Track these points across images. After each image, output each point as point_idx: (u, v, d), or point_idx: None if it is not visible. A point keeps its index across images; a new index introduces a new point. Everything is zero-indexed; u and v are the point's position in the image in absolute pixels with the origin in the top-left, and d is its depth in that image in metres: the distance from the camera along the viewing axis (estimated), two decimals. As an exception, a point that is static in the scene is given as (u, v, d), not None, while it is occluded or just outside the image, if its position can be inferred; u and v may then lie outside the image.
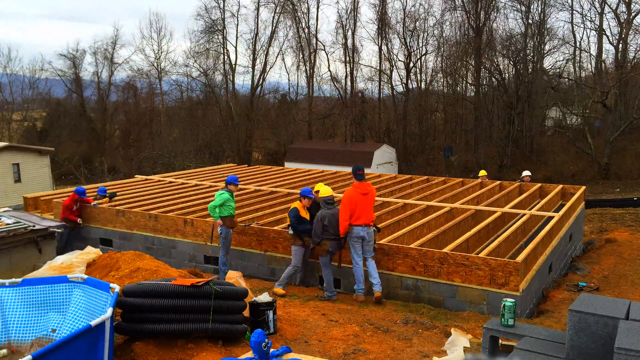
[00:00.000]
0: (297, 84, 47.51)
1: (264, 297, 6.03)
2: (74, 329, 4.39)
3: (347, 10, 43.87)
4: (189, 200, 12.45)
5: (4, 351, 4.57)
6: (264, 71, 45.20)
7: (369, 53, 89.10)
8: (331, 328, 6.34)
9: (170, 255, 10.52)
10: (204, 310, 5.03)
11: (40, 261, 7.46)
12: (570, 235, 11.47)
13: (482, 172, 15.19)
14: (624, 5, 36.06)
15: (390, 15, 43.07)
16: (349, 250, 8.07)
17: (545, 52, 39.56)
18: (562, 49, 40.03)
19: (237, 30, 47.55)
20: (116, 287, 4.65)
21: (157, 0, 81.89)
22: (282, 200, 12.40)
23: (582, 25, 50.32)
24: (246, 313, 5.64)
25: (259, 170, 17.75)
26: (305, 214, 8.70)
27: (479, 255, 7.73)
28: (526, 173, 14.65)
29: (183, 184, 14.79)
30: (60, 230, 8.62)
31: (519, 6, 39.04)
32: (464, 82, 42.69)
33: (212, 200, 12.19)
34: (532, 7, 38.66)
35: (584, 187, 13.82)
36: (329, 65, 46.06)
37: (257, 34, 44.74)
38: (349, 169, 20.89)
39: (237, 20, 47.44)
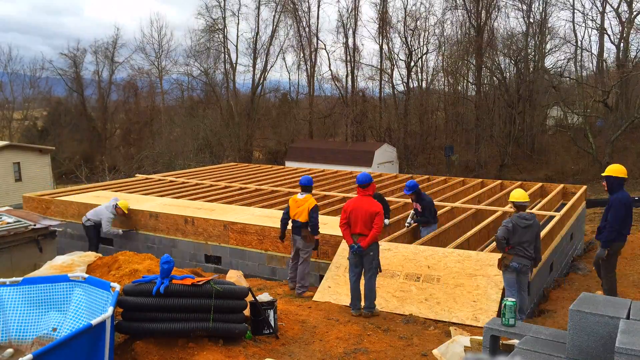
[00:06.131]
0: (298, 83, 47.58)
1: (265, 297, 6.04)
2: (75, 328, 4.39)
3: (348, 9, 44.02)
4: (190, 199, 12.44)
5: (11, 350, 4.57)
6: (264, 70, 45.23)
7: (369, 52, 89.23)
8: (332, 327, 6.34)
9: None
10: (205, 309, 5.03)
11: (41, 260, 7.47)
12: (571, 234, 11.46)
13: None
14: (625, 5, 36.04)
15: (391, 14, 43.20)
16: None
17: (547, 51, 39.55)
18: (563, 48, 40.02)
19: (237, 29, 47.81)
20: (117, 286, 4.65)
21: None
22: (282, 199, 12.39)
23: (583, 25, 50.04)
24: (247, 312, 5.64)
25: (260, 170, 17.75)
26: None
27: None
28: None
29: (184, 183, 14.80)
30: (60, 230, 8.62)
31: (520, 5, 39.03)
32: (465, 81, 42.68)
33: (212, 199, 12.24)
34: (533, 6, 38.65)
35: (585, 187, 13.81)
36: (329, 64, 46.22)
37: (257, 33, 44.78)
38: (349, 169, 20.99)
39: (238, 19, 47.53)
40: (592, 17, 45.72)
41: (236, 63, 45.74)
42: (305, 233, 7.86)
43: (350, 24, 42.77)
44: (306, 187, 8.11)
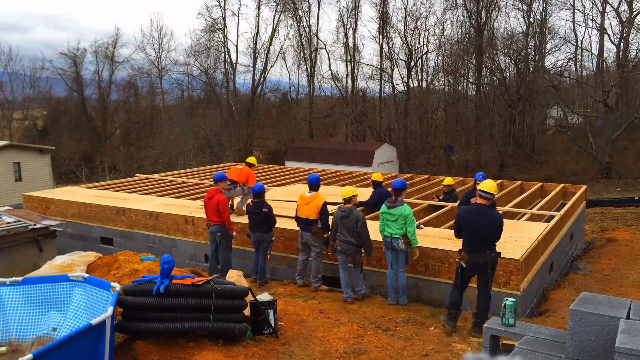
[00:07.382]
0: (298, 82, 47.62)
1: (265, 296, 6.04)
2: (75, 328, 4.39)
3: (348, 9, 43.90)
4: (190, 199, 12.44)
5: (3, 348, 4.57)
6: (264, 70, 45.25)
7: (370, 52, 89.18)
8: (332, 327, 6.34)
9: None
10: (205, 309, 5.03)
11: (41, 260, 7.47)
12: (571, 234, 11.45)
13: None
14: (625, 5, 36.05)
15: (391, 13, 43.39)
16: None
17: (547, 51, 39.60)
18: (563, 48, 40.22)
19: (237, 29, 47.83)
20: (117, 286, 4.65)
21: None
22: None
23: (583, 24, 50.37)
24: (247, 312, 5.64)
25: (260, 170, 17.74)
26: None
27: (479, 255, 7.69)
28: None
29: (184, 182, 14.79)
30: (60, 230, 8.61)
31: (520, 5, 39.06)
32: (465, 81, 42.72)
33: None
34: (533, 6, 38.70)
35: (585, 187, 13.80)
36: (329, 64, 46.16)
37: (257, 33, 44.79)
38: (349, 168, 21.02)
39: (238, 19, 47.70)
40: (592, 17, 45.73)
41: (236, 63, 45.81)
42: (315, 229, 8.10)
43: (350, 24, 42.86)
44: (314, 185, 8.30)
